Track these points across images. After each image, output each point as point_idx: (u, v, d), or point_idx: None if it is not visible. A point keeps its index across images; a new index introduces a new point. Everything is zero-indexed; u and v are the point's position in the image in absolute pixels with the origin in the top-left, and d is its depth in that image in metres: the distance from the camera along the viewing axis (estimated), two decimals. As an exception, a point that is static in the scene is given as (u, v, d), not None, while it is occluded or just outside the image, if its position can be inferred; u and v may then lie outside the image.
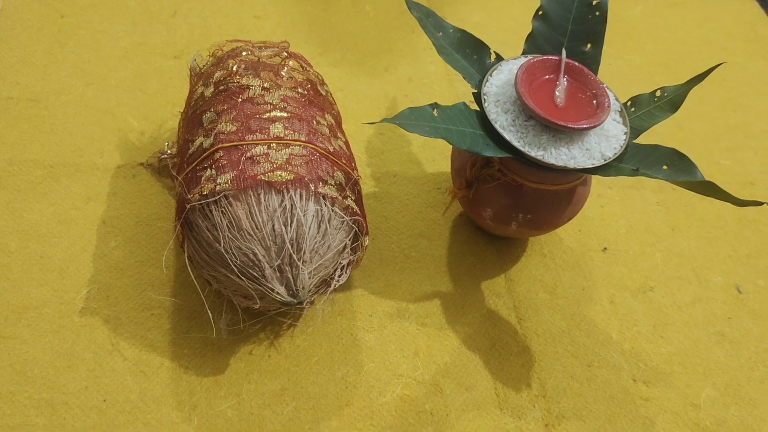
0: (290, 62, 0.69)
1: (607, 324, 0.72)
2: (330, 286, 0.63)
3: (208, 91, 0.66)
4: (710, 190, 0.55)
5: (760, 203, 0.54)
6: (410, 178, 0.81)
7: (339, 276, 0.64)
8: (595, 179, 0.82)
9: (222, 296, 0.66)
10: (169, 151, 0.75)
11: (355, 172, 0.65)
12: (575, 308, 0.72)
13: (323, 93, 0.70)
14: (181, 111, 0.71)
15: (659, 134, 0.88)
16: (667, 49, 1.03)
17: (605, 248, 0.78)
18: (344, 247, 0.63)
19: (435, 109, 0.60)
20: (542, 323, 0.71)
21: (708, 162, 0.89)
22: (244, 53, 0.69)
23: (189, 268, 0.60)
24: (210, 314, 0.63)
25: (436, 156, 0.83)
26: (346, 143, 0.69)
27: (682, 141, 0.90)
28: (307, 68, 0.71)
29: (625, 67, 1.00)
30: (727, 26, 1.09)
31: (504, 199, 0.67)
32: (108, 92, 0.83)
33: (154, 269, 0.69)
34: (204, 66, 0.71)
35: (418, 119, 0.59)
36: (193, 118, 0.66)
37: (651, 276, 0.76)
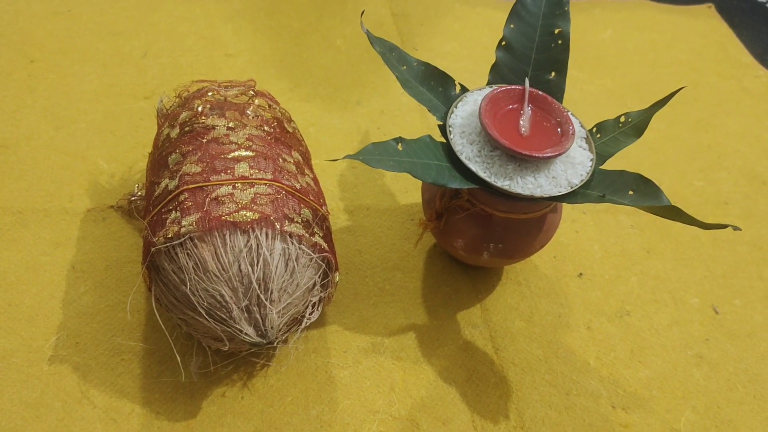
0: (257, 100, 0.69)
1: (584, 350, 0.71)
2: (301, 324, 0.63)
3: (174, 133, 0.66)
4: (676, 214, 0.55)
5: (725, 226, 0.54)
6: (383, 211, 0.81)
7: (310, 314, 0.63)
8: (569, 205, 0.82)
9: (193, 339, 0.65)
10: (139, 193, 0.75)
11: (323, 207, 0.65)
12: (552, 336, 0.72)
13: (290, 130, 0.70)
14: (150, 152, 0.71)
15: (632, 157, 0.89)
16: (638, 72, 1.04)
17: (581, 273, 0.78)
18: (314, 285, 0.62)
19: (399, 143, 0.60)
20: (519, 352, 0.70)
21: (681, 183, 0.89)
22: (209, 93, 0.69)
23: (156, 312, 0.59)
24: (178, 358, 0.62)
25: (409, 187, 0.83)
26: (315, 179, 0.69)
27: (655, 163, 0.91)
28: (274, 105, 0.71)
29: (597, 91, 1.00)
30: (696, 47, 1.10)
31: (474, 230, 0.67)
32: (78, 135, 0.82)
33: (124, 313, 0.68)
34: (170, 107, 0.71)
35: (381, 154, 0.59)
36: (159, 160, 0.66)
37: (627, 300, 0.76)
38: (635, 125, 0.66)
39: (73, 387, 0.63)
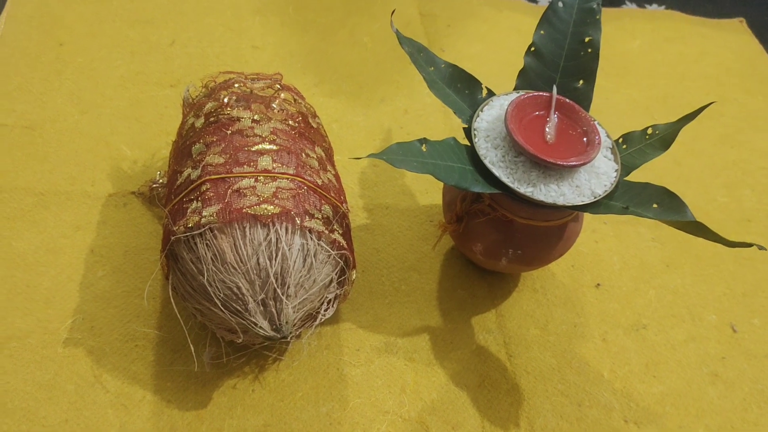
0: (282, 94, 0.69)
1: (598, 362, 0.71)
2: (316, 320, 0.63)
3: (199, 122, 0.66)
4: (700, 230, 0.55)
5: (750, 245, 0.53)
6: (402, 211, 0.80)
7: (325, 310, 0.63)
8: (590, 215, 0.81)
9: (207, 329, 0.65)
10: (161, 180, 0.75)
11: (344, 205, 0.65)
12: (566, 345, 0.71)
13: (314, 125, 0.70)
14: (174, 140, 0.71)
15: (656, 170, 0.88)
16: (665, 84, 1.03)
17: (598, 284, 0.77)
18: (330, 281, 0.62)
19: (423, 144, 0.60)
20: (532, 360, 0.70)
21: (705, 199, 0.88)
22: (236, 85, 0.69)
23: (172, 301, 0.59)
24: (192, 347, 0.63)
25: (429, 188, 0.83)
26: (336, 176, 0.68)
27: (679, 177, 0.90)
28: (300, 100, 0.71)
29: (623, 101, 0.99)
30: (725, 62, 1.09)
31: (494, 235, 0.67)
32: (103, 120, 0.83)
33: (140, 300, 0.68)
34: (197, 97, 0.71)
35: (405, 154, 0.59)
36: (182, 149, 0.66)
37: (644, 313, 0.75)
38: (662, 138, 0.65)
39: (86, 371, 0.63)
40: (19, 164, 0.77)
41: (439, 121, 0.91)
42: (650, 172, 0.87)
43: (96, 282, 0.69)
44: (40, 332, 0.65)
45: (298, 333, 0.62)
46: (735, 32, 1.15)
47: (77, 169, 0.77)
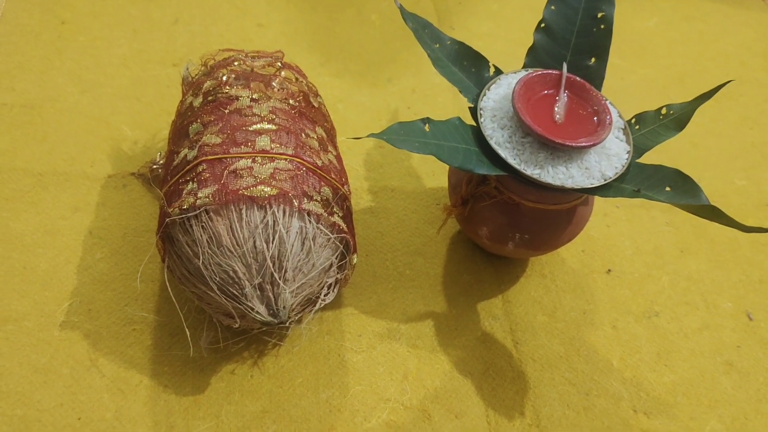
0: (283, 72, 0.67)
1: (608, 350, 0.68)
2: (316, 305, 0.61)
3: (197, 101, 0.64)
4: (714, 214, 0.52)
5: (766, 230, 0.51)
6: (408, 193, 0.78)
7: (325, 295, 0.61)
8: (601, 198, 0.79)
9: (204, 313, 0.64)
10: (161, 161, 0.74)
11: (345, 187, 0.63)
12: (575, 333, 0.69)
13: (316, 105, 0.68)
14: (173, 120, 0.69)
15: (671, 152, 0.85)
16: (683, 63, 1.00)
17: (609, 270, 0.75)
18: (330, 265, 0.60)
19: (426, 124, 0.58)
20: (539, 348, 0.68)
21: (723, 181, 0.85)
22: (236, 63, 0.67)
23: (168, 284, 0.58)
24: (188, 332, 0.61)
25: (436, 170, 0.81)
26: (338, 157, 0.66)
27: (696, 159, 0.87)
28: (301, 79, 0.69)
29: (639, 81, 0.96)
30: (745, 41, 1.05)
31: (500, 218, 0.64)
32: (103, 100, 0.81)
33: (138, 283, 0.67)
34: (196, 75, 0.69)
35: (407, 134, 0.57)
36: (180, 129, 0.64)
37: (657, 300, 0.73)
38: (677, 118, 0.62)
39: (82, 354, 0.62)
40: (18, 144, 0.75)
41: (448, 101, 0.88)
42: (665, 154, 0.84)
43: (94, 264, 0.68)
44: (37, 315, 0.64)
45: (297, 318, 0.61)
46: (757, 10, 1.11)
47: (77, 149, 0.76)
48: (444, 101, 0.88)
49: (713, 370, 0.68)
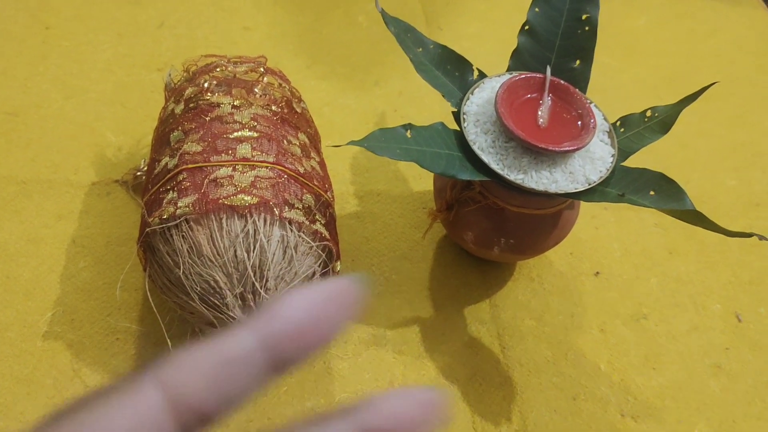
0: (266, 78, 0.67)
1: (595, 354, 0.68)
2: (299, 313, 0.61)
3: (179, 108, 0.64)
4: (698, 219, 0.52)
5: (750, 235, 0.50)
6: (395, 197, 0.78)
7: (309, 303, 0.61)
8: (589, 199, 0.78)
9: (188, 323, 0.63)
10: (144, 168, 0.73)
11: (328, 193, 0.63)
12: (563, 336, 0.69)
13: (299, 110, 0.67)
14: (155, 127, 0.69)
15: (660, 153, 0.84)
16: (673, 62, 0.99)
17: (597, 272, 0.74)
18: (313, 274, 0.60)
19: (408, 130, 0.58)
20: (527, 352, 0.67)
21: (712, 182, 0.85)
22: (218, 69, 0.67)
23: (148, 294, 0.57)
24: (170, 342, 0.61)
25: (423, 174, 0.80)
26: (321, 163, 0.66)
27: (685, 160, 0.86)
28: (284, 84, 0.68)
29: (629, 81, 0.96)
30: (737, 39, 1.04)
31: (485, 223, 0.64)
32: (88, 105, 0.81)
33: (122, 292, 0.66)
34: (179, 81, 0.69)
35: (388, 141, 0.56)
36: (162, 137, 0.64)
37: (645, 303, 0.72)
38: (662, 120, 0.62)
39: (65, 365, 0.62)
40: (1, 152, 0.75)
41: (435, 103, 0.88)
42: (654, 156, 0.83)
43: (77, 273, 0.67)
44: (19, 325, 0.63)
45: (280, 326, 0.60)
46: (749, 6, 1.11)
47: (60, 156, 0.76)
48: (431, 104, 0.88)
49: (702, 372, 0.68)
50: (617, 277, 0.74)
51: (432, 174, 0.79)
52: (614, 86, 0.94)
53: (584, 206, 0.78)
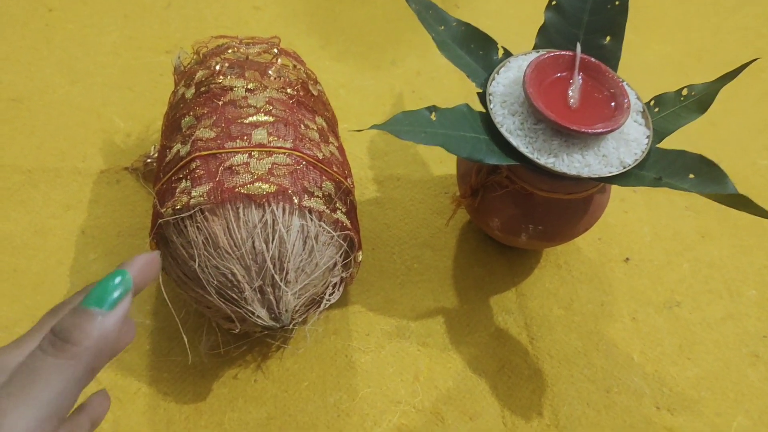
0: (280, 60, 0.64)
1: (627, 344, 0.65)
2: (320, 306, 0.58)
3: (189, 93, 0.61)
4: (743, 203, 0.49)
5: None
6: (415, 182, 0.75)
7: (330, 295, 0.58)
8: (617, 182, 0.75)
9: (204, 316, 0.61)
10: (155, 155, 0.70)
11: (348, 180, 0.60)
12: (593, 326, 0.66)
13: (315, 93, 0.64)
14: (165, 112, 0.66)
15: (689, 133, 0.80)
16: (700, 37, 0.95)
17: (627, 258, 0.71)
18: (334, 264, 0.57)
19: (433, 113, 0.54)
20: (556, 343, 0.65)
21: (743, 162, 0.81)
22: (229, 50, 0.63)
23: (162, 288, 0.54)
24: (185, 338, 0.58)
25: (443, 157, 0.77)
26: (340, 148, 0.63)
27: (715, 139, 0.83)
28: (299, 66, 0.65)
29: (653, 57, 0.92)
30: (765, 11, 1.00)
31: (512, 209, 0.61)
32: (94, 90, 0.78)
33: (133, 285, 0.64)
34: (188, 64, 0.65)
35: (412, 124, 0.53)
36: (172, 122, 0.61)
37: (677, 289, 0.69)
38: (699, 99, 0.59)
39: (77, 362, 0.59)
40: (5, 140, 0.72)
41: (454, 84, 0.84)
42: (682, 136, 0.79)
43: (87, 265, 0.65)
44: (29, 320, 0.61)
45: (299, 321, 0.58)
46: (775, -22, 1.06)
47: (67, 143, 0.73)
48: (450, 84, 0.84)
49: (738, 362, 0.65)
50: (648, 263, 0.71)
51: (453, 157, 0.76)
52: (639, 64, 0.91)
53: (613, 189, 0.75)
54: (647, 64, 0.91)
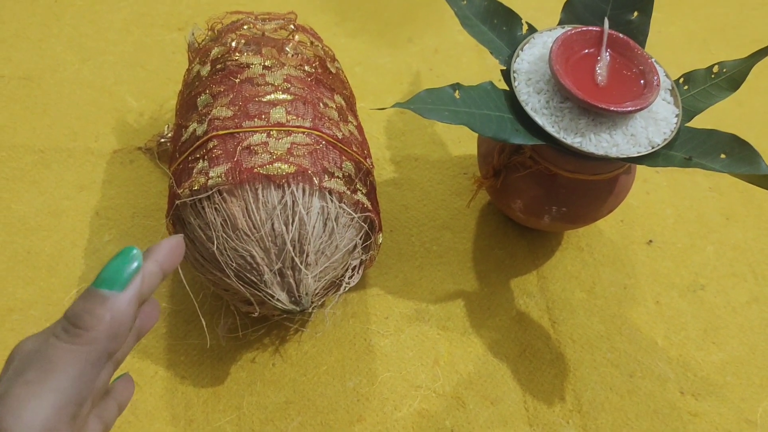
0: (297, 36, 0.62)
1: (651, 328, 0.64)
2: (339, 290, 0.57)
3: (205, 70, 0.59)
4: (778, 185, 0.47)
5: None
6: (434, 162, 0.73)
7: (350, 278, 0.57)
8: (640, 162, 0.74)
9: (221, 299, 0.60)
10: (169, 134, 0.69)
11: (367, 160, 0.58)
12: (616, 309, 0.65)
13: (333, 70, 0.62)
14: (179, 90, 0.64)
15: (714, 112, 0.78)
16: (725, 12, 0.93)
17: (650, 241, 0.70)
18: (354, 247, 0.56)
19: (456, 90, 0.53)
20: (578, 327, 0.63)
21: (769, 141, 0.79)
22: (245, 27, 0.62)
23: (180, 271, 0.53)
24: (203, 321, 0.57)
25: (462, 137, 0.76)
26: (359, 127, 0.62)
27: (742, 119, 0.81)
28: (317, 42, 0.63)
29: (677, 34, 0.90)
30: (791, -14, 0.98)
31: (536, 190, 0.59)
32: (106, 68, 0.76)
33: (149, 266, 0.63)
34: (203, 41, 0.64)
35: (436, 103, 0.52)
36: (188, 101, 0.59)
37: (702, 272, 0.68)
38: (730, 77, 0.57)
39: (93, 345, 0.58)
40: (16, 119, 0.71)
41: (473, 62, 0.83)
42: (707, 115, 0.78)
43: (102, 247, 0.64)
44: (43, 303, 0.60)
45: (319, 304, 0.57)
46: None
47: (79, 123, 0.72)
48: (469, 62, 0.82)
49: (764, 346, 0.64)
50: (671, 246, 0.70)
51: (473, 137, 0.75)
52: (662, 40, 0.89)
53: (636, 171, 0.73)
54: (671, 40, 0.89)
